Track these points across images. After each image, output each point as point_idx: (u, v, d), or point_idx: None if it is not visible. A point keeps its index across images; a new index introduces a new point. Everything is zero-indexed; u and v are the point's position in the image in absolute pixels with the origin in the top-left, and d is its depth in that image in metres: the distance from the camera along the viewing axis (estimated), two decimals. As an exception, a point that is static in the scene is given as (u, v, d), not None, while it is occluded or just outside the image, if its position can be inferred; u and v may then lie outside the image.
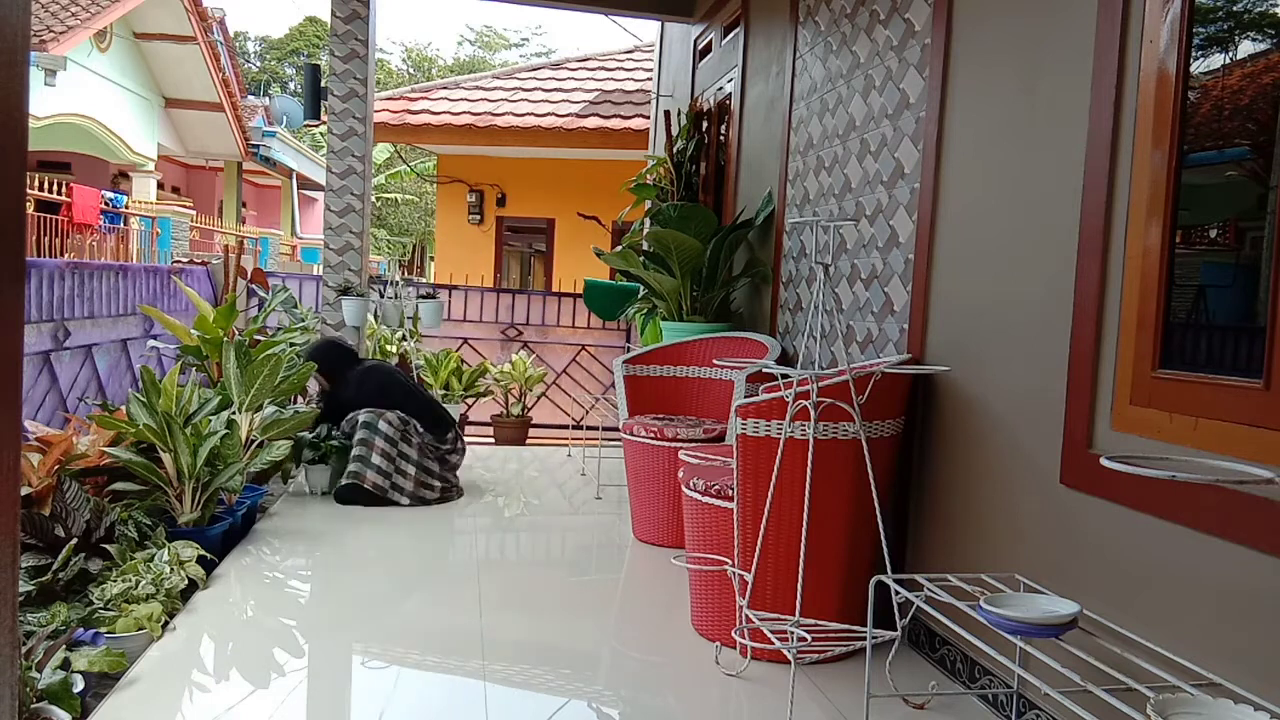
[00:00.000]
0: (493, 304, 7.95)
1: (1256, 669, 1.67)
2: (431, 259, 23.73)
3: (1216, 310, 1.88)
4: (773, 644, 2.53)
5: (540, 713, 2.44)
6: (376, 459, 4.44)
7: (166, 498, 3.46)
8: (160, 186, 16.50)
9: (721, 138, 5.38)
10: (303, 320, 5.75)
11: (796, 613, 2.42)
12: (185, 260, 9.56)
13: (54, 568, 2.70)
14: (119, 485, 3.39)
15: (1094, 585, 2.08)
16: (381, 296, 6.22)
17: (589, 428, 6.78)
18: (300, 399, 5.65)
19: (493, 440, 6.83)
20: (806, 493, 2.43)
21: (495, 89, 10.59)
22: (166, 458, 3.40)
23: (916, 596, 2.17)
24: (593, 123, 9.71)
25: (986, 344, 2.55)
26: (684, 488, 2.99)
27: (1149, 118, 1.97)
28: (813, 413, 2.44)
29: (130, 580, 2.77)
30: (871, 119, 3.32)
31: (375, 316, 6.27)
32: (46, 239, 10.49)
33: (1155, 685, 1.69)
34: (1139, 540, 1.96)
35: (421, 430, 4.66)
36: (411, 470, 4.52)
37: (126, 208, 12.98)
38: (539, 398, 7.57)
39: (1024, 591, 2.14)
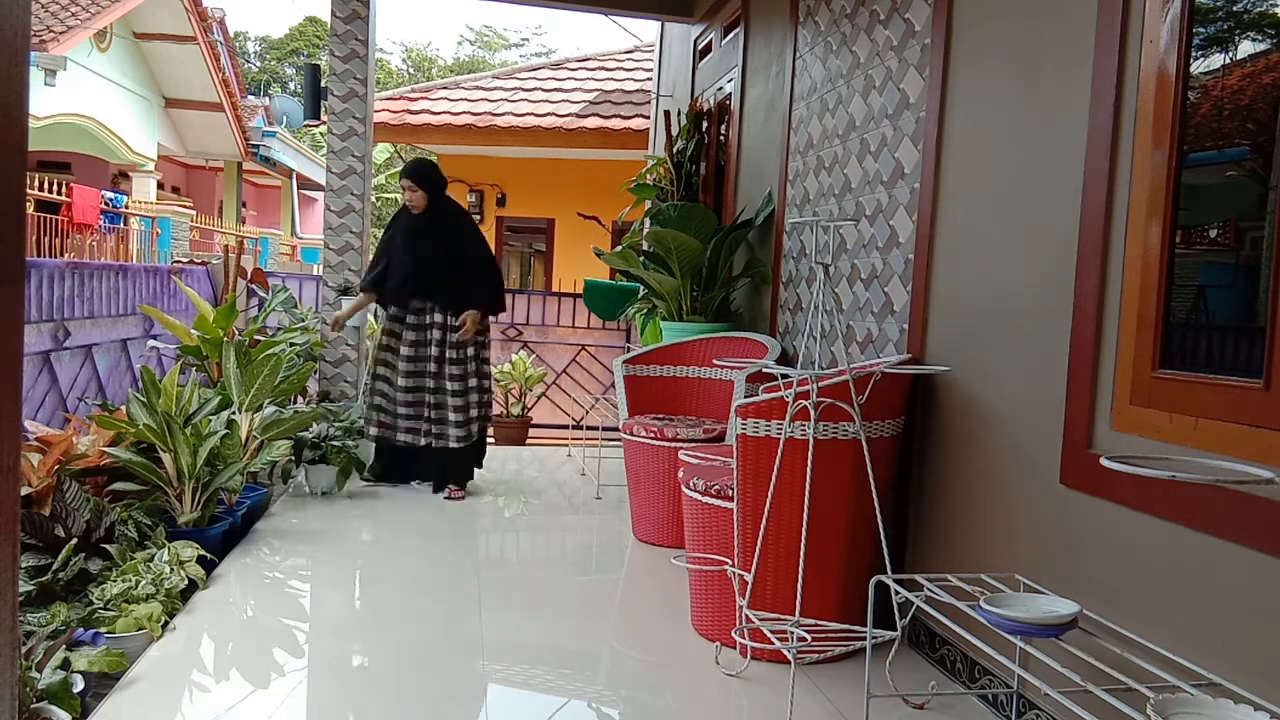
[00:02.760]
0: (493, 304, 7.92)
1: (1256, 669, 1.67)
2: (431, 259, 23.64)
3: (1216, 310, 1.88)
4: (773, 644, 2.53)
5: (540, 713, 2.44)
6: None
7: (166, 498, 3.46)
8: (160, 186, 16.49)
9: (721, 138, 5.38)
10: (303, 320, 5.75)
11: (796, 613, 2.42)
12: (185, 260, 9.57)
13: (54, 568, 2.70)
14: (119, 485, 3.39)
15: (1094, 585, 2.08)
16: (381, 296, 6.21)
17: (589, 428, 6.78)
18: (300, 399, 5.64)
19: (493, 440, 6.83)
20: (806, 493, 2.42)
21: (495, 89, 10.59)
22: (166, 458, 3.40)
23: (916, 596, 2.17)
24: (593, 123, 9.70)
25: (986, 344, 2.55)
26: (684, 488, 2.99)
27: (1149, 118, 1.97)
28: (813, 413, 2.44)
29: (130, 580, 2.77)
30: (871, 119, 3.31)
31: (375, 316, 6.26)
32: (46, 239, 10.48)
33: (1155, 685, 1.68)
34: (1139, 540, 1.96)
35: None
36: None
37: (126, 208, 12.98)
38: (539, 398, 7.56)
39: (1024, 591, 2.14)
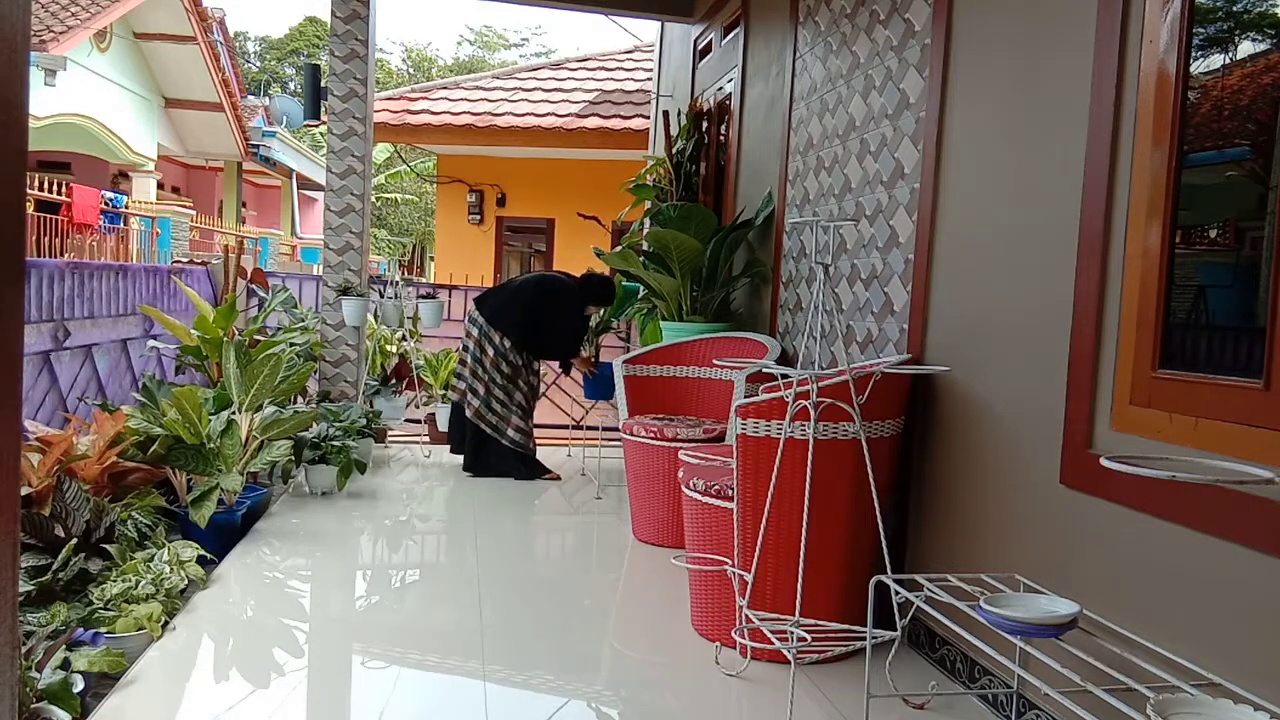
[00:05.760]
0: (493, 304, 7.90)
1: (1256, 669, 1.67)
2: (431, 259, 23.72)
3: (1216, 310, 1.88)
4: (773, 644, 2.53)
5: (540, 713, 2.44)
6: None
7: (167, 497, 3.45)
8: (160, 186, 16.49)
9: (721, 138, 5.38)
10: (303, 320, 5.75)
11: (796, 613, 2.42)
12: (185, 260, 9.56)
13: (54, 568, 2.70)
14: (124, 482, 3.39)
15: (1094, 585, 2.08)
16: (381, 296, 6.23)
17: (589, 428, 6.78)
18: (300, 399, 5.64)
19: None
20: (806, 493, 2.42)
21: (495, 89, 10.58)
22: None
23: (916, 596, 2.17)
24: (593, 123, 9.70)
25: (986, 344, 2.55)
26: (684, 488, 2.99)
27: (1149, 118, 1.96)
28: (813, 413, 2.44)
29: (130, 580, 2.77)
30: (871, 119, 3.31)
31: (375, 316, 6.27)
32: (46, 239, 10.48)
33: (1155, 685, 1.68)
34: (1139, 540, 1.96)
35: None
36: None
37: (126, 208, 12.98)
38: (539, 397, 7.55)
39: (1024, 591, 2.14)
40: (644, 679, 2.69)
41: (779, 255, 4.20)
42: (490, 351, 5.05)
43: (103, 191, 12.32)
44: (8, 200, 0.81)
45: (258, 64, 36.55)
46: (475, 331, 5.11)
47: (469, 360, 5.12)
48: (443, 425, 6.24)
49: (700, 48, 5.99)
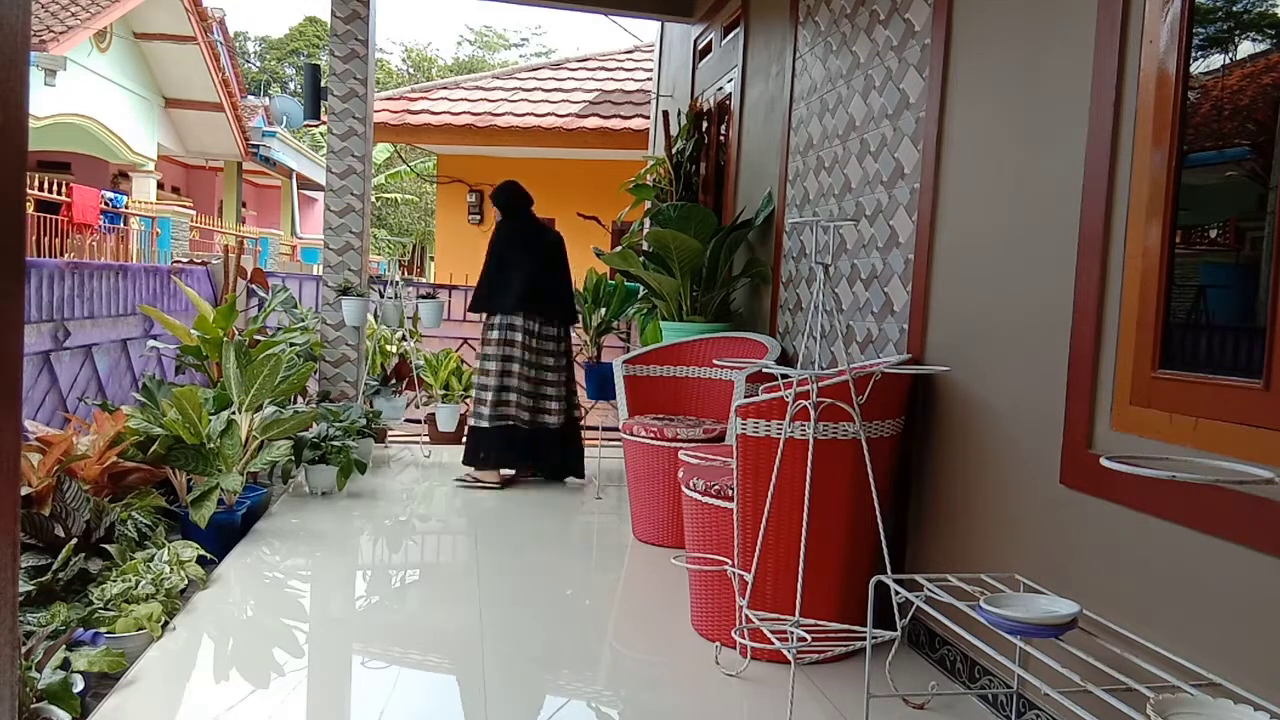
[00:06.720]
0: (493, 304, 7.90)
1: (1256, 669, 1.67)
2: (431, 259, 23.72)
3: (1216, 310, 1.88)
4: (773, 644, 2.53)
5: (540, 713, 2.44)
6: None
7: (167, 497, 3.45)
8: (160, 186, 16.50)
9: (721, 138, 5.38)
10: (303, 320, 5.75)
11: (796, 613, 2.42)
12: (185, 260, 9.55)
13: (54, 568, 2.70)
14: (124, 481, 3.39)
15: (1094, 585, 2.08)
16: (381, 296, 6.23)
17: (589, 428, 6.78)
18: (300, 399, 5.64)
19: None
20: (806, 493, 2.42)
21: (495, 89, 10.59)
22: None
23: (916, 596, 2.17)
24: (593, 123, 9.70)
25: (986, 344, 2.55)
26: (684, 488, 2.99)
27: (1149, 118, 1.97)
28: (813, 413, 2.44)
29: (130, 580, 2.77)
30: (871, 119, 3.32)
31: (375, 316, 6.27)
32: (46, 239, 10.48)
33: (1155, 685, 1.68)
34: (1139, 540, 1.96)
35: None
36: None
37: (126, 208, 12.98)
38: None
39: (1024, 591, 2.14)
40: (644, 679, 2.69)
41: (779, 255, 4.20)
42: (570, 347, 5.08)
43: (103, 191, 12.33)
44: (8, 200, 0.81)
45: (258, 64, 36.55)
46: (552, 346, 4.99)
47: (551, 375, 4.98)
48: (443, 426, 6.24)
49: (700, 48, 5.99)
